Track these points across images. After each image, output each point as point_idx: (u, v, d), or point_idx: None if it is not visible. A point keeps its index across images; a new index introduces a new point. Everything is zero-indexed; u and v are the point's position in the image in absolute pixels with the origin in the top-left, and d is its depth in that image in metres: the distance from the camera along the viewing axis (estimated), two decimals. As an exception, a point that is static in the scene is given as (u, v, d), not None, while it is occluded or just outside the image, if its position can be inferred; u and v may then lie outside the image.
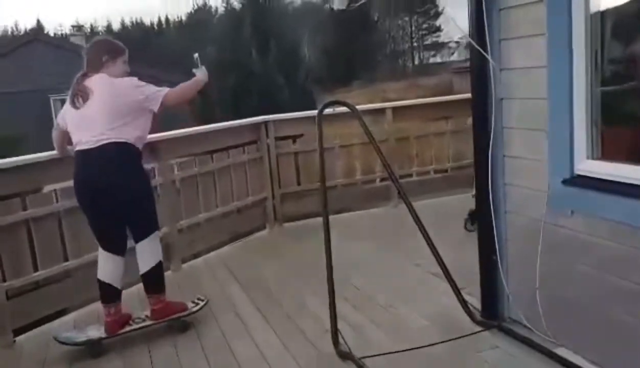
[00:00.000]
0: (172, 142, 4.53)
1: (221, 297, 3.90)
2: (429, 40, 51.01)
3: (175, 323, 3.41)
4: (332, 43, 40.43)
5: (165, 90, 3.21)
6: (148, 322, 3.37)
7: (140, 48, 37.85)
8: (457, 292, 3.23)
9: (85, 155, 3.08)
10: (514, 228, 2.95)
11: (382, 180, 5.88)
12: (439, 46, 52.90)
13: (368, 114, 5.93)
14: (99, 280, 3.25)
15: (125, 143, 3.09)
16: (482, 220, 3.07)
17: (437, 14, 49.91)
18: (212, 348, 3.19)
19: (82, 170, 3.12)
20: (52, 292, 3.76)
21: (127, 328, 3.31)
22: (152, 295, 3.34)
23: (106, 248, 3.25)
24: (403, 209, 5.60)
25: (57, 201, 3.78)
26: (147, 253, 3.29)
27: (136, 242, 3.28)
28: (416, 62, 50.88)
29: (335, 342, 2.98)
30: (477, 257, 3.15)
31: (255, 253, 4.90)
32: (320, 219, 5.63)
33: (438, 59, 53.27)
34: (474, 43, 2.82)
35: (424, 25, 50.39)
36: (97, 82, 3.14)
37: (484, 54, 2.81)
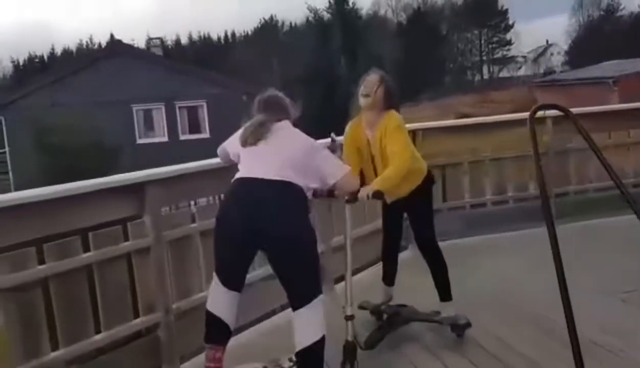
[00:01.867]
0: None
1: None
2: (499, 54, 49.85)
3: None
4: (400, 57, 39.87)
5: (346, 169, 2.83)
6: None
7: (210, 59, 38.86)
8: None
9: (250, 184, 2.61)
10: None
11: (537, 198, 5.30)
12: (506, 60, 51.70)
13: (520, 124, 5.41)
14: (207, 312, 2.70)
15: (299, 187, 2.63)
16: None
17: (508, 27, 48.76)
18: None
19: (240, 202, 2.61)
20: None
21: None
22: None
23: (224, 282, 2.70)
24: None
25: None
26: (308, 325, 2.60)
27: (294, 308, 2.63)
28: (485, 76, 49.76)
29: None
30: None
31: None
32: (456, 241, 4.93)
33: (505, 73, 52.07)
34: None
35: (494, 39, 49.26)
36: (283, 127, 2.78)
37: None
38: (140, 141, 18.48)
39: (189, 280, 3.22)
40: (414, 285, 3.56)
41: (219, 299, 2.70)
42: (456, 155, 5.11)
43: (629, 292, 3.70)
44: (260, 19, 52.94)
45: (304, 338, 2.58)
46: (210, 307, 2.70)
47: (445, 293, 3.30)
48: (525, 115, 5.41)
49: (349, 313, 2.81)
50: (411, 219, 3.36)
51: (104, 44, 49.68)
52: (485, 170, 5.20)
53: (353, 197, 2.83)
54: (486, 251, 4.63)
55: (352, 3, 24.78)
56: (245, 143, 2.72)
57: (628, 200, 3.14)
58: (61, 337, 2.67)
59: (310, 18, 29.47)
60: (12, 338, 2.50)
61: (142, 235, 2.95)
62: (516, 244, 4.90)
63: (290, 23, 52.52)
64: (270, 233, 2.52)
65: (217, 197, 3.54)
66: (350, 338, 2.80)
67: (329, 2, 24.39)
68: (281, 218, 2.55)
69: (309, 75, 23.72)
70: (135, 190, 2.93)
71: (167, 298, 3.05)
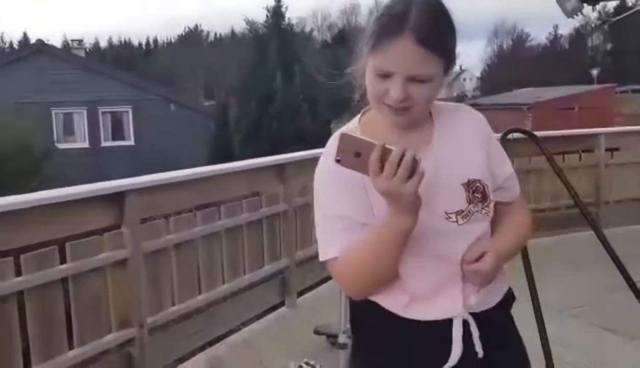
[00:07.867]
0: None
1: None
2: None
3: None
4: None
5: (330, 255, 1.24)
6: None
7: (131, 65, 37.74)
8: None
9: None
10: None
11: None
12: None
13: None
14: None
15: None
16: None
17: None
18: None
19: None
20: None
21: None
22: None
23: None
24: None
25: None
26: None
27: None
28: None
29: None
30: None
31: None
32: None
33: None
34: None
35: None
36: None
37: None
38: (59, 146, 17.49)
39: (162, 293, 3.12)
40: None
41: None
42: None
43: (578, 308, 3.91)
44: (184, 27, 52.21)
45: None
46: None
47: None
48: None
49: (342, 341, 2.55)
50: None
51: (15, 43, 47.02)
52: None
53: None
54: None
55: (288, 18, 24.92)
56: None
57: (587, 218, 3.38)
58: (34, 354, 2.51)
59: (235, 30, 29.43)
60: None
61: (120, 246, 2.83)
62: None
63: (215, 34, 52.19)
64: None
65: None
66: None
67: (267, 17, 24.33)
68: None
69: (241, 87, 23.42)
70: (115, 199, 2.82)
71: (142, 313, 2.93)
